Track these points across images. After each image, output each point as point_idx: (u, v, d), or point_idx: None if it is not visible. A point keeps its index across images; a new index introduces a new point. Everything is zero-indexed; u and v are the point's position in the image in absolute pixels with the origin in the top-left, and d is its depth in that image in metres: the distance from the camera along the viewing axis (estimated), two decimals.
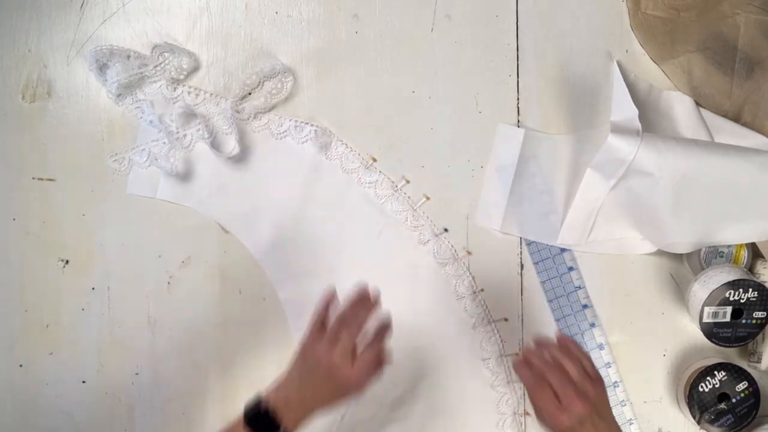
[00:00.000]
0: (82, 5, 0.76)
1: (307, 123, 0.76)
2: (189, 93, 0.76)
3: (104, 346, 0.76)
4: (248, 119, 0.76)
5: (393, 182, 0.77)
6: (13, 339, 0.76)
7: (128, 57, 0.75)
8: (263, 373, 0.76)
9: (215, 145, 0.75)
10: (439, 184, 0.77)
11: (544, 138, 0.77)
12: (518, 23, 0.77)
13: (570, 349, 0.65)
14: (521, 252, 0.77)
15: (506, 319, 0.77)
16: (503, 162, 0.77)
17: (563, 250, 0.77)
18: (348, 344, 0.62)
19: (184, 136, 0.75)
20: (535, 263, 0.77)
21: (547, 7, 0.77)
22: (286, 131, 0.76)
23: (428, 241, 0.76)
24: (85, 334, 0.76)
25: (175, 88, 0.75)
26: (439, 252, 0.76)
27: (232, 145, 0.75)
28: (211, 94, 0.76)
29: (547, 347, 0.66)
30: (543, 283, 0.77)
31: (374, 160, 0.76)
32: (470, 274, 0.76)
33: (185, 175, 0.76)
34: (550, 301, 0.77)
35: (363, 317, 0.64)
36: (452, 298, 0.76)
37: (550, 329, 0.77)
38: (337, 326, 0.64)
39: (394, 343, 0.67)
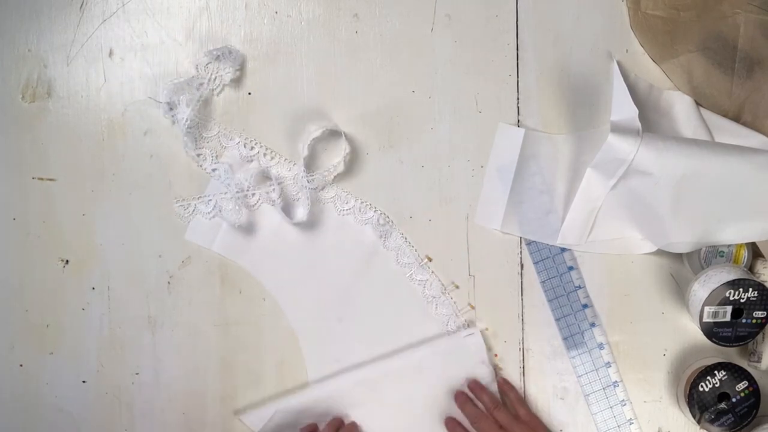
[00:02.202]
0: (81, 5, 0.76)
1: (369, 206, 0.76)
2: (265, 154, 0.76)
3: (104, 346, 0.76)
4: (316, 189, 0.76)
5: (443, 284, 0.77)
6: (13, 339, 0.76)
7: (187, 84, 0.75)
8: (263, 373, 0.76)
9: (284, 210, 0.75)
10: (439, 185, 0.77)
11: (544, 138, 0.77)
12: (518, 23, 0.77)
13: (504, 393, 0.75)
14: (521, 252, 0.77)
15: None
16: (503, 162, 0.77)
17: (563, 250, 0.77)
18: None
19: (252, 194, 0.75)
20: (535, 263, 0.77)
21: (547, 7, 0.77)
22: (350, 209, 0.77)
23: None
24: (85, 334, 0.76)
25: (252, 147, 0.76)
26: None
27: (300, 213, 0.75)
28: (286, 159, 0.76)
29: (480, 394, 0.74)
30: (543, 282, 0.77)
31: (429, 259, 0.77)
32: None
33: (244, 233, 0.76)
34: (550, 300, 0.77)
35: None
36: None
37: (550, 329, 0.77)
38: None
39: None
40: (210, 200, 0.76)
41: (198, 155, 0.76)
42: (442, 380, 0.76)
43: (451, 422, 0.75)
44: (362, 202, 0.77)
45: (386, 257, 0.77)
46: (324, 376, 0.76)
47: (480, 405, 0.74)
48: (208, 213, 0.76)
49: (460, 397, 0.75)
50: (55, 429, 0.76)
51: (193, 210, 0.76)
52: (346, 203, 0.77)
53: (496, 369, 0.76)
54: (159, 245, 0.76)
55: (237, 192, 0.75)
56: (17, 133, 0.76)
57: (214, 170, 0.76)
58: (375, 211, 0.77)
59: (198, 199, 0.76)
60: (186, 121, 0.74)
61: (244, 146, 0.76)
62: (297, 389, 0.76)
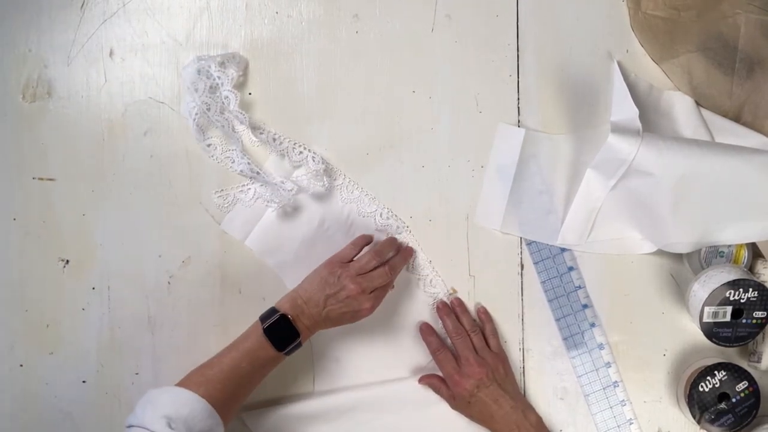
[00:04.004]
0: (82, 5, 0.76)
1: (407, 228, 0.77)
2: (314, 158, 0.76)
3: (104, 346, 0.76)
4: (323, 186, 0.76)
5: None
6: (13, 339, 0.76)
7: (196, 90, 0.74)
8: None
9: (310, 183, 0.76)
10: (439, 185, 0.77)
11: (544, 138, 0.77)
12: (518, 23, 0.77)
13: (482, 322, 0.76)
14: (521, 252, 0.78)
15: None
16: (503, 162, 0.77)
17: (563, 250, 0.77)
18: (378, 283, 0.69)
19: (290, 190, 0.75)
20: (535, 263, 0.77)
21: (547, 7, 0.77)
22: (385, 226, 0.77)
23: None
24: (85, 334, 0.76)
25: (300, 152, 0.76)
26: None
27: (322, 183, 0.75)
28: (326, 169, 0.76)
29: (462, 315, 0.76)
30: (543, 283, 0.77)
31: (455, 291, 0.77)
32: None
33: (277, 236, 0.76)
34: (550, 300, 0.77)
35: (398, 262, 0.72)
36: None
37: (550, 329, 0.77)
38: (369, 258, 0.70)
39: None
40: (249, 188, 0.76)
41: (208, 146, 0.76)
42: (446, 409, 0.76)
43: (426, 327, 0.76)
44: (400, 222, 0.77)
45: (411, 280, 0.77)
46: (327, 378, 0.76)
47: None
48: (248, 201, 0.76)
49: (443, 308, 0.76)
50: (55, 429, 0.76)
51: (233, 200, 0.76)
52: (386, 219, 0.77)
53: None
54: (159, 245, 0.76)
55: (270, 183, 0.75)
56: (17, 133, 0.76)
57: (227, 157, 0.76)
58: (409, 232, 0.77)
59: (237, 188, 0.76)
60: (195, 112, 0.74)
61: (294, 150, 0.76)
62: (297, 389, 0.76)
